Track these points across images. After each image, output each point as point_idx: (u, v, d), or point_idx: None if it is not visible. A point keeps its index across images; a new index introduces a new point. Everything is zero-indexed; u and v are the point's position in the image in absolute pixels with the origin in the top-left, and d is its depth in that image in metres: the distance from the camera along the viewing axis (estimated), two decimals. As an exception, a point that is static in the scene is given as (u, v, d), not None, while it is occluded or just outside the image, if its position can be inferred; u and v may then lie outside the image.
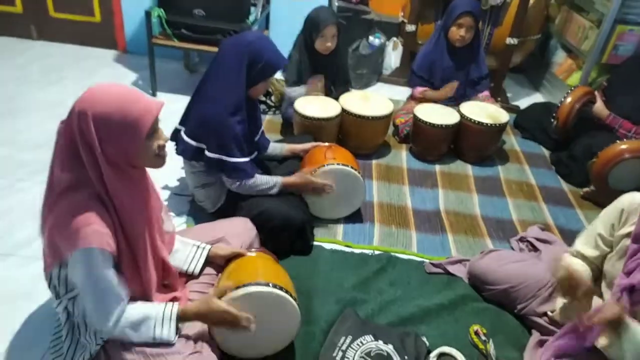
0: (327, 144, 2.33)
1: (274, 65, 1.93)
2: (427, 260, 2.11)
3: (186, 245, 1.63)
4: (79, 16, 3.65)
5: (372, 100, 2.76)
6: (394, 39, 3.78)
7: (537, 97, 3.86)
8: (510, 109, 3.37)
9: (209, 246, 1.65)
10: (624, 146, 2.47)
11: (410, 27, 3.54)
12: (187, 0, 2.90)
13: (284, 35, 3.18)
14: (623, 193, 2.50)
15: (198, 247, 1.64)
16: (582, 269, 1.66)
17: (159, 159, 1.31)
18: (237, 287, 1.43)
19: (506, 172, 2.85)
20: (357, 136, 2.71)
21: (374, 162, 2.79)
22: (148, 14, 2.90)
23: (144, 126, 1.20)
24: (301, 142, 2.38)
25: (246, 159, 1.98)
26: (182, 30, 2.98)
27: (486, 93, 3.11)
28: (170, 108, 3.03)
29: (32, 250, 1.92)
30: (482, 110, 2.81)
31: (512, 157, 3.00)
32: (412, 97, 3.15)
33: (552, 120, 2.86)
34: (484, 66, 3.09)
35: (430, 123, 2.69)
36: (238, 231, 1.81)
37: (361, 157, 2.67)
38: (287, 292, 1.48)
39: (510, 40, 3.36)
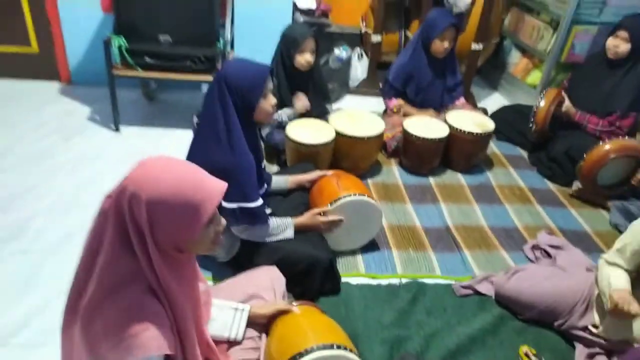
0: (331, 172, 2.22)
1: (258, 79, 1.71)
2: (455, 282, 2.07)
3: (222, 310, 1.46)
4: (12, 47, 3.24)
5: (361, 119, 2.69)
6: (358, 49, 3.72)
7: (497, 97, 3.98)
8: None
9: (248, 307, 1.49)
10: (607, 147, 2.57)
11: (375, 38, 3.50)
12: (150, 26, 2.65)
13: (249, 54, 3.02)
14: (609, 188, 2.67)
15: (236, 309, 1.47)
16: (623, 279, 1.69)
17: (214, 246, 1.14)
18: (298, 357, 1.31)
19: (495, 177, 2.89)
20: (350, 157, 2.61)
21: (370, 182, 2.71)
22: (107, 44, 2.61)
23: (204, 214, 1.03)
24: (303, 172, 2.25)
25: (262, 202, 1.82)
26: (145, 59, 2.72)
27: (462, 100, 3.14)
28: (137, 144, 2.83)
29: (24, 338, 1.65)
30: (468, 119, 2.83)
31: (495, 161, 3.05)
32: (387, 110, 3.10)
33: (531, 125, 2.94)
34: (458, 73, 3.11)
35: (422, 138, 2.65)
36: (268, 283, 1.65)
37: (357, 179, 2.58)
38: (349, 349, 1.37)
39: (476, 46, 3.43)
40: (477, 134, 2.72)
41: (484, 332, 1.85)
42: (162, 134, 2.94)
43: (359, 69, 3.71)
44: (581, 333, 1.81)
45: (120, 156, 2.68)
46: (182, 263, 1.12)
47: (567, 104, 2.92)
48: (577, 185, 2.77)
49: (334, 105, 3.41)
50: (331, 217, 1.99)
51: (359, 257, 2.16)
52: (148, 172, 1.02)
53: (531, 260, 2.25)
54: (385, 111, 3.16)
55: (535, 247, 2.31)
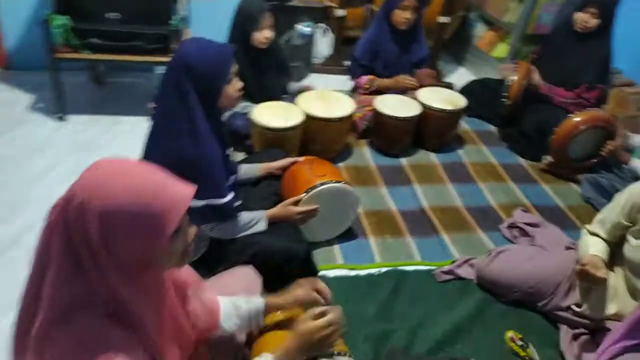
0: (303, 158, 2.09)
1: (221, 62, 1.56)
2: (435, 268, 2.01)
3: (237, 309, 1.30)
4: (-64, 29, 2.90)
5: (331, 99, 2.55)
6: (321, 25, 3.55)
7: (463, 72, 3.92)
8: (445, 87, 3.35)
9: (262, 301, 1.32)
10: (577, 119, 2.56)
11: (339, 12, 3.34)
12: (95, 2, 2.40)
13: (207, 31, 2.82)
14: (580, 161, 2.66)
15: (249, 303, 1.32)
16: (601, 248, 1.70)
17: (183, 259, 1.00)
18: None
19: (467, 155, 2.83)
20: (321, 140, 2.49)
21: (341, 165, 2.59)
22: (46, 23, 2.35)
23: (168, 224, 0.88)
24: (272, 158, 2.10)
25: (231, 195, 1.68)
26: (91, 39, 2.47)
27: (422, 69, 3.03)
28: (86, 135, 2.60)
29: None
30: (439, 96, 2.74)
31: (466, 138, 2.99)
32: (358, 88, 2.97)
33: (503, 99, 2.88)
34: (424, 47, 3.01)
35: (394, 116, 2.55)
36: (244, 286, 1.52)
37: (328, 162, 2.46)
38: None
39: (443, 19, 3.33)
40: (448, 110, 2.64)
41: (469, 319, 1.80)
42: (114, 122, 2.71)
43: (323, 45, 3.54)
44: (565, 314, 1.78)
45: (68, 148, 2.45)
46: (149, 280, 0.98)
47: (536, 77, 2.88)
48: (547, 159, 2.75)
49: (298, 84, 3.26)
50: (306, 207, 1.87)
51: (336, 247, 2.06)
52: (99, 177, 0.86)
53: (509, 240, 2.22)
54: (353, 90, 3.04)
55: (512, 226, 2.28)
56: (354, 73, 2.97)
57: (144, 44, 2.53)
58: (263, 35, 2.38)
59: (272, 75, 2.58)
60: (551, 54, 2.91)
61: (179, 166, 1.52)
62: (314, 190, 1.86)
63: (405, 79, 2.83)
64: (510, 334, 1.74)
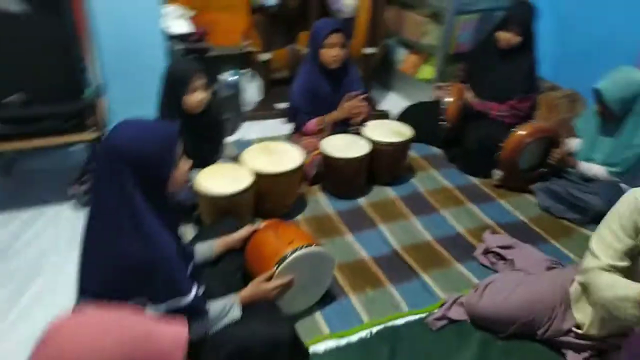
0: (263, 224, 1.89)
1: (166, 145, 1.32)
2: (425, 315, 1.88)
3: None
4: None
5: (276, 151, 2.38)
6: (246, 71, 3.40)
7: (393, 97, 3.92)
8: (381, 116, 3.32)
9: None
10: (522, 132, 2.58)
11: (265, 56, 3.21)
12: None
13: (126, 99, 2.59)
14: (531, 171, 2.68)
15: None
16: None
17: None
18: None
19: (422, 183, 2.77)
20: (273, 196, 2.31)
21: (300, 218, 2.42)
22: None
23: None
24: (228, 230, 1.88)
25: (195, 290, 1.44)
26: (-6, 127, 2.14)
27: None
28: (4, 238, 2.23)
29: None
30: (385, 129, 2.67)
31: (416, 165, 2.94)
32: (302, 133, 2.80)
33: (442, 122, 2.87)
34: (358, 83, 2.93)
35: (344, 159, 2.43)
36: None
37: (284, 218, 2.26)
38: None
39: (369, 50, 3.30)
40: (397, 143, 2.57)
41: (474, 367, 1.68)
42: (32, 217, 2.33)
43: (252, 91, 3.39)
44: (567, 338, 1.71)
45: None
46: None
47: (469, 95, 2.90)
48: (497, 174, 2.76)
49: (231, 138, 3.07)
50: (281, 281, 1.67)
51: (318, 315, 1.87)
52: (64, 351, 0.64)
53: (487, 267, 2.15)
54: (294, 133, 2.88)
55: (486, 252, 2.21)
56: (300, 121, 2.80)
57: (56, 124, 2.24)
58: (196, 98, 2.16)
59: (209, 137, 2.37)
60: (479, 71, 2.95)
61: (130, 273, 1.29)
62: (286, 261, 1.67)
63: (353, 105, 2.69)
64: (521, 375, 1.64)
